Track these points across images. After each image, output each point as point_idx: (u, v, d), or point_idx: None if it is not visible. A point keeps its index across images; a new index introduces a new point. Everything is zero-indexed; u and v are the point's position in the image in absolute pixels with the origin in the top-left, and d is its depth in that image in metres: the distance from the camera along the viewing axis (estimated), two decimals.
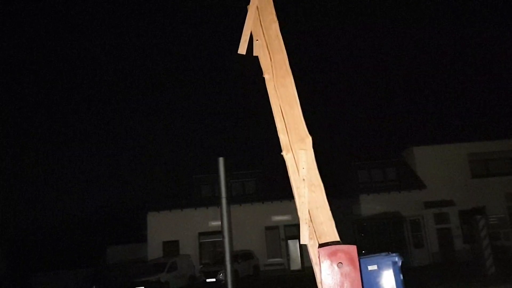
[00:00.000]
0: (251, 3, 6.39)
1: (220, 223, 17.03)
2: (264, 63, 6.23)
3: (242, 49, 6.26)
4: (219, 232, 15.57)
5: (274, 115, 6.06)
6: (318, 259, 5.25)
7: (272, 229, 26.32)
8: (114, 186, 64.80)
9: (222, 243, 16.07)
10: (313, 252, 5.55)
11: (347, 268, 5.06)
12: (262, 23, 6.35)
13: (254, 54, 6.27)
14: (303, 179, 5.72)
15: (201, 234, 26.33)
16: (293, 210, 5.69)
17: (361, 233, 24.50)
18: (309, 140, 5.90)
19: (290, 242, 25.89)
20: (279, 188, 24.93)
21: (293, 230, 25.06)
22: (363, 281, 5.10)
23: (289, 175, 5.89)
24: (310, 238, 5.58)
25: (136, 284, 21.37)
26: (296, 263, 25.65)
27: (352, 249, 5.17)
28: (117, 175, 66.55)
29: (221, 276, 21.41)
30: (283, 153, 5.93)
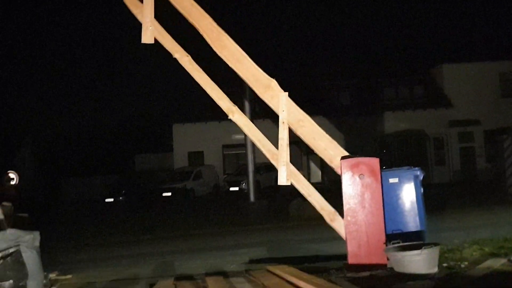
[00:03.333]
0: None
1: (243, 136, 17.21)
2: (168, 45, 6.04)
3: (149, 37, 6.02)
4: (243, 145, 15.89)
5: (204, 88, 5.98)
6: (340, 170, 5.41)
7: (293, 144, 26.71)
8: (142, 98, 65.72)
9: (245, 156, 16.39)
10: (301, 187, 5.74)
11: (368, 179, 5.22)
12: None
13: (144, 42, 5.97)
14: (283, 122, 5.84)
15: (224, 146, 26.94)
16: None
17: (383, 150, 24.63)
18: (274, 83, 5.92)
19: (310, 156, 26.32)
20: (303, 105, 24.78)
21: None
22: (384, 193, 5.26)
23: (245, 133, 5.99)
24: (288, 179, 5.84)
25: (164, 190, 22.52)
26: (316, 176, 26.25)
27: (374, 161, 5.30)
28: (145, 87, 67.13)
29: (244, 185, 22.13)
30: (230, 116, 5.98)
